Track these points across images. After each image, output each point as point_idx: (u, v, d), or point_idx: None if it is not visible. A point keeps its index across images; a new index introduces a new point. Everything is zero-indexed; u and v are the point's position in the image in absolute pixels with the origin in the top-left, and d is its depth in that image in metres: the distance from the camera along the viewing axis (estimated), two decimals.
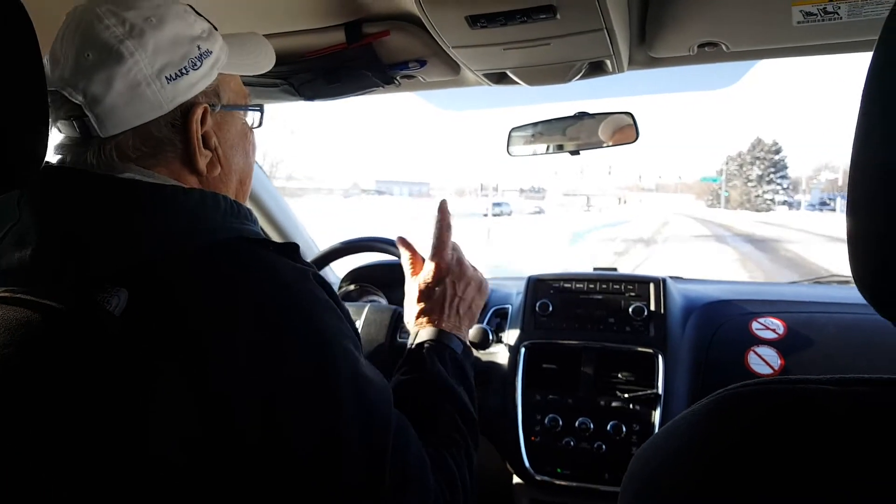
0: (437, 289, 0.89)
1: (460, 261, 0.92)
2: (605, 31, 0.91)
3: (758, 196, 76.08)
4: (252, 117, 0.75)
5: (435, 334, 0.85)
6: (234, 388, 0.52)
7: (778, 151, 79.06)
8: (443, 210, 0.93)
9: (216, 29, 0.69)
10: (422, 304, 0.89)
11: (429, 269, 0.91)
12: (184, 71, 0.63)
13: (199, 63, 0.64)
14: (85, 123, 0.61)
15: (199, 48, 0.64)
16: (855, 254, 0.36)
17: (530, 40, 0.95)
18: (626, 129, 1.27)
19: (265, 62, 0.78)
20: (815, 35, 0.96)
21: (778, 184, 77.53)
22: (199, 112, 0.65)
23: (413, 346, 0.85)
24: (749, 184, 78.32)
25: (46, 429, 0.50)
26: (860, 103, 0.35)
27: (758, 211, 67.02)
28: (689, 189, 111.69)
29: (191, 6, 0.68)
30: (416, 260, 0.95)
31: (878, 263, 0.34)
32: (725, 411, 0.38)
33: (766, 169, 77.45)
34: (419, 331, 0.87)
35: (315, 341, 0.58)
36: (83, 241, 0.56)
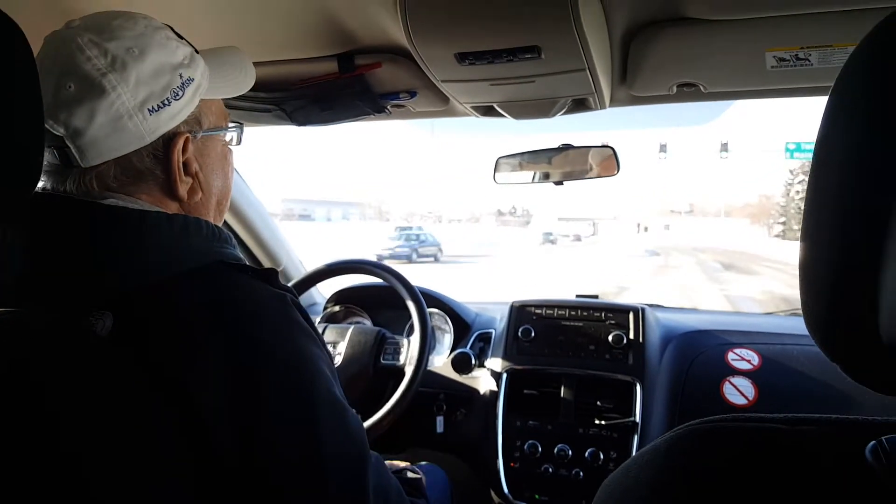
0: None
1: None
2: (588, 70, 0.95)
3: None
4: (231, 135, 0.75)
5: None
6: (212, 412, 0.53)
7: None
8: None
9: (197, 52, 0.68)
10: None
11: None
12: (166, 102, 0.62)
13: (180, 93, 0.64)
14: (66, 153, 0.60)
15: (181, 76, 0.64)
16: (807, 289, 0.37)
17: (516, 77, 0.99)
18: (607, 162, 1.31)
19: (246, 81, 0.77)
20: (788, 79, 1.01)
21: None
22: (181, 142, 0.64)
23: None
24: None
25: (30, 448, 0.50)
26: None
27: None
28: (737, 211, 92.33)
29: (171, 28, 0.67)
30: None
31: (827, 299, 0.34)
32: (679, 450, 0.40)
33: None
34: None
35: (292, 364, 0.59)
36: (69, 268, 0.57)
